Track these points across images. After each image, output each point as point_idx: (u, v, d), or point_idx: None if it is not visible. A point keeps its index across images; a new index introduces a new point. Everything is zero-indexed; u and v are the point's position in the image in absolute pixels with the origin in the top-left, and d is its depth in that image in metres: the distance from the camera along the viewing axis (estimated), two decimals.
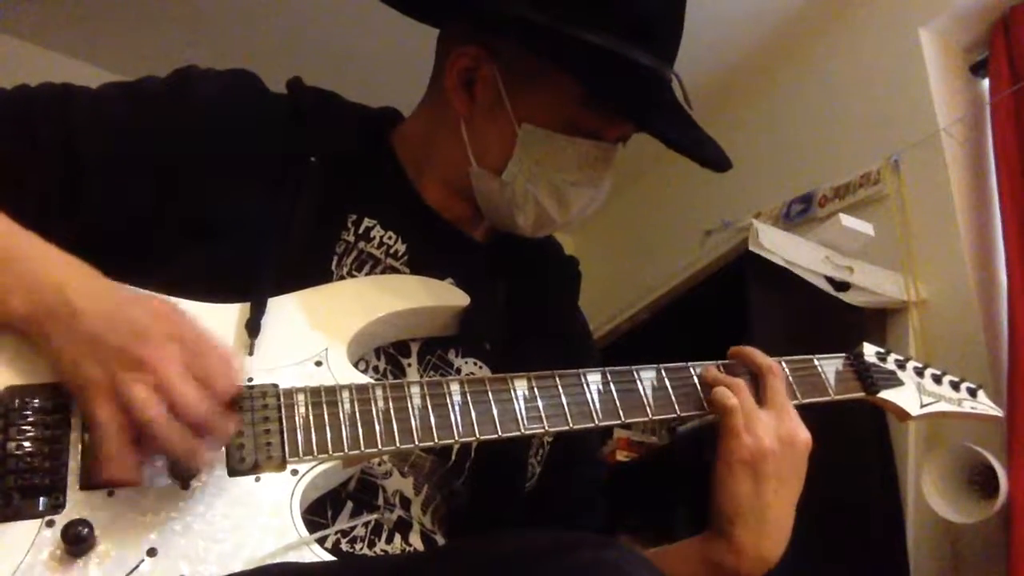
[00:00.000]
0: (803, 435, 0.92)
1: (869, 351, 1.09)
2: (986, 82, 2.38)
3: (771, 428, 0.90)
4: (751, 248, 2.02)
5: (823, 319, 2.06)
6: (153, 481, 0.73)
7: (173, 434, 0.70)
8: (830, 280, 2.10)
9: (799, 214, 2.59)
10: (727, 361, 0.99)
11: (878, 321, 2.22)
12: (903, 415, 1.07)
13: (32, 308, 0.73)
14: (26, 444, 0.72)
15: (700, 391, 0.96)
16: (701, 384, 0.96)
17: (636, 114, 0.98)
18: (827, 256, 2.11)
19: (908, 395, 1.08)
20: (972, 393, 1.15)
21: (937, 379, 1.13)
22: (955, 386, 1.14)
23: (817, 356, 1.05)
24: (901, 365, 1.11)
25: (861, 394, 1.05)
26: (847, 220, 2.15)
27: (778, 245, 2.04)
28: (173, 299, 0.83)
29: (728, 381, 0.94)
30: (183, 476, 0.74)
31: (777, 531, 0.91)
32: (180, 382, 0.71)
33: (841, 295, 2.11)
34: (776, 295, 2.04)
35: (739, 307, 2.00)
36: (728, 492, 0.90)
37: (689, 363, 0.97)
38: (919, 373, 1.12)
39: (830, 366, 1.05)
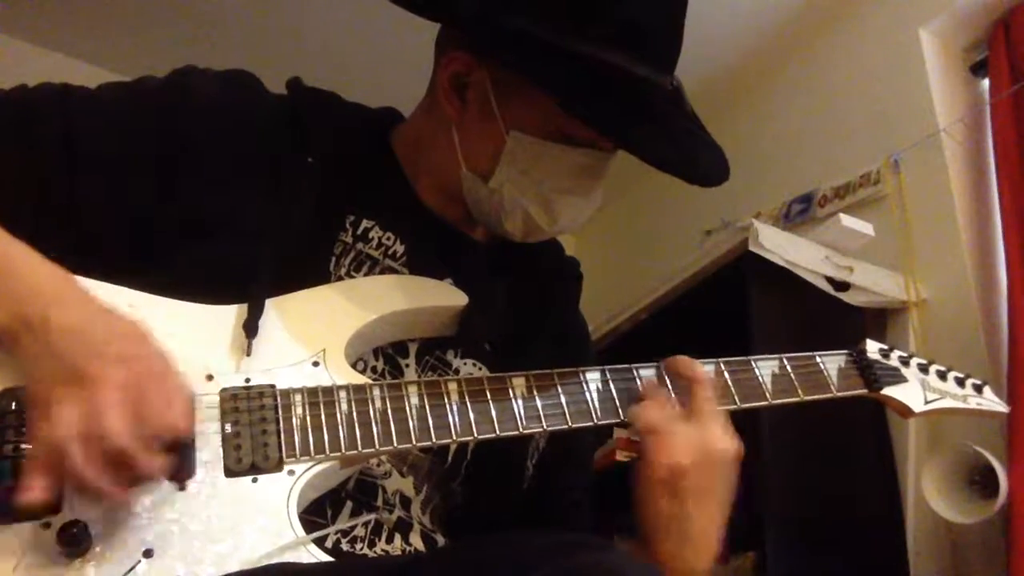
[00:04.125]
0: (727, 446, 0.89)
1: (872, 347, 1.08)
2: (986, 82, 2.37)
3: (692, 442, 0.87)
4: (751, 248, 2.02)
5: (823, 319, 2.06)
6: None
7: (77, 459, 0.66)
8: (830, 280, 2.10)
9: (799, 214, 2.58)
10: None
11: (878, 321, 2.21)
12: (907, 412, 1.07)
13: (11, 319, 0.73)
14: (23, 446, 0.71)
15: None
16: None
17: (611, 131, 0.94)
18: (827, 256, 2.10)
19: (912, 391, 1.07)
20: (978, 389, 1.14)
21: (942, 375, 1.12)
22: (960, 382, 1.13)
23: (819, 353, 1.04)
24: (905, 361, 1.10)
25: (864, 391, 1.04)
26: (847, 220, 2.14)
27: (778, 245, 2.03)
28: (164, 303, 0.82)
29: (651, 395, 0.91)
30: (177, 480, 0.74)
31: (702, 541, 0.88)
32: (109, 407, 0.67)
33: (841, 295, 2.11)
34: (776, 295, 2.03)
35: (739, 307, 2.00)
36: (647, 509, 0.88)
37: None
38: (923, 369, 1.11)
39: (832, 363, 1.04)
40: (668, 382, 0.94)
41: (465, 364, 1.01)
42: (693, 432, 0.88)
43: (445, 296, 0.98)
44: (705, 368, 0.96)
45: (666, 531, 0.87)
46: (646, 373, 0.95)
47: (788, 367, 1.00)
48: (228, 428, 0.78)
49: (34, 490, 0.66)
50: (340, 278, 0.96)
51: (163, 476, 0.72)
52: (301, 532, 0.75)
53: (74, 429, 0.66)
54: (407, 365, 0.97)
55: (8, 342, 0.74)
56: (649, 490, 0.87)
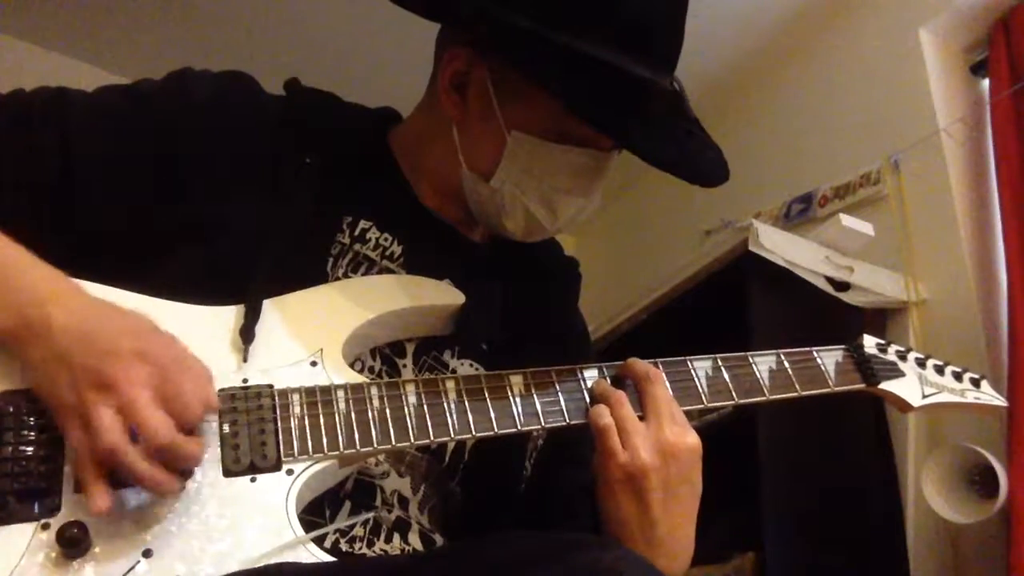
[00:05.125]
0: (688, 441, 0.87)
1: (869, 342, 1.09)
2: (986, 82, 2.37)
3: (650, 441, 0.86)
4: (751, 248, 2.02)
5: (823, 319, 2.06)
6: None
7: (132, 460, 0.69)
8: (830, 280, 2.10)
9: (799, 214, 2.58)
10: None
11: (878, 321, 2.21)
12: (905, 406, 1.06)
13: (13, 322, 0.73)
14: (21, 448, 0.72)
15: (698, 386, 0.95)
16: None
17: (612, 131, 0.94)
18: (827, 256, 2.11)
19: (910, 386, 1.07)
20: (975, 383, 1.14)
21: (939, 370, 1.12)
22: (958, 377, 1.13)
23: (816, 348, 1.04)
24: (902, 356, 1.10)
25: (861, 386, 1.04)
26: (847, 220, 2.14)
27: (778, 245, 2.04)
28: (162, 305, 0.82)
29: (608, 395, 0.89)
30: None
31: (672, 544, 0.87)
32: (144, 406, 0.70)
33: (841, 295, 2.11)
34: (776, 295, 2.03)
35: (739, 307, 2.00)
36: (611, 514, 0.87)
37: (687, 358, 0.97)
38: (921, 364, 1.11)
39: (830, 358, 1.04)
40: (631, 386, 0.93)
41: (462, 364, 1.01)
42: (652, 430, 0.87)
43: (443, 295, 0.98)
44: (702, 364, 0.96)
45: (631, 535, 0.86)
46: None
47: (785, 363, 1.00)
48: (226, 428, 0.78)
49: (104, 497, 0.69)
50: (337, 279, 0.95)
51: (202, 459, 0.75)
52: (300, 531, 0.75)
53: (119, 434, 0.68)
54: (404, 365, 0.97)
55: (10, 343, 0.74)
56: (611, 494, 0.86)
